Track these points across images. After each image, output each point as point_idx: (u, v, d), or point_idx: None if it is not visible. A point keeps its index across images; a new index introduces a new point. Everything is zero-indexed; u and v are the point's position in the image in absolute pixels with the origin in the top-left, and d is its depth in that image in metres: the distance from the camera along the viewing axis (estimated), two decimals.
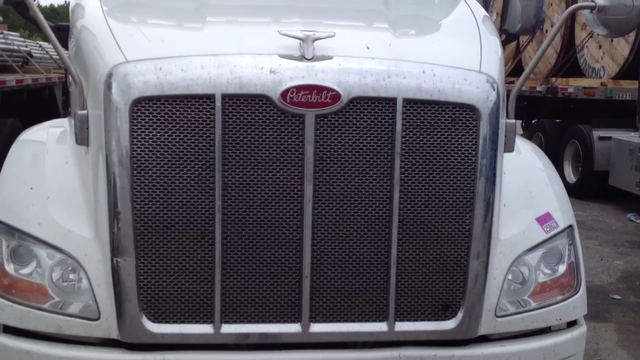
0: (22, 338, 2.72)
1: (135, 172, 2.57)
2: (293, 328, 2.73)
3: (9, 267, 2.75)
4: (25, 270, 2.75)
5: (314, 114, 2.59)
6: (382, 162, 2.67)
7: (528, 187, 3.16)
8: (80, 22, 3.18)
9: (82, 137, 2.82)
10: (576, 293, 3.05)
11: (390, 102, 2.64)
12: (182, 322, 2.69)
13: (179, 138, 2.56)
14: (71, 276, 2.72)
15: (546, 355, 2.93)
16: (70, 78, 3.36)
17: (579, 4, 3.28)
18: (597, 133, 10.78)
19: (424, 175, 2.71)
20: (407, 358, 2.78)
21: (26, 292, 2.73)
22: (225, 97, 2.55)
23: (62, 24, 3.89)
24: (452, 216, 2.75)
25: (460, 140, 2.71)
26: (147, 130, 2.56)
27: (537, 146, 3.80)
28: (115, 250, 2.62)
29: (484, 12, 3.42)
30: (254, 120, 2.59)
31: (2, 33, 11.65)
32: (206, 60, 2.59)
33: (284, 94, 2.55)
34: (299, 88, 2.56)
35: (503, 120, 2.88)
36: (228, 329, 2.70)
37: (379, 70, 2.64)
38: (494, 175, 2.77)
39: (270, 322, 2.72)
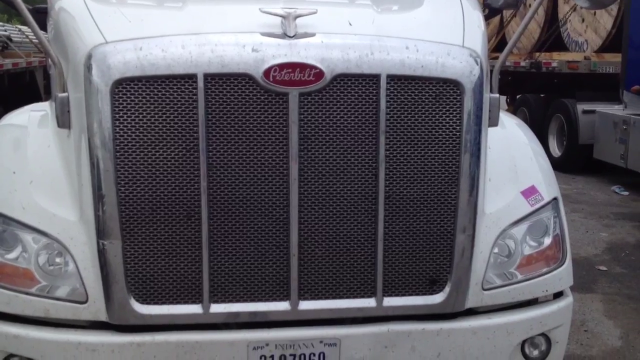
0: (10, 323, 2.71)
1: (118, 154, 2.55)
2: (282, 306, 2.74)
3: None
4: (11, 255, 2.73)
5: (298, 92, 2.58)
6: (367, 139, 2.67)
7: (513, 161, 3.18)
8: (58, 3, 3.13)
9: (63, 120, 2.80)
10: (562, 265, 3.08)
11: (374, 78, 2.63)
12: (171, 303, 2.69)
13: (161, 119, 2.55)
14: (57, 260, 2.71)
15: (533, 326, 2.97)
16: (50, 61, 3.31)
17: None
18: (581, 107, 10.83)
19: (409, 152, 2.71)
20: (395, 333, 2.81)
21: (13, 277, 2.71)
22: (207, 76, 2.53)
23: (40, 7, 3.84)
24: (437, 191, 2.76)
25: (444, 115, 2.71)
26: (129, 112, 2.53)
27: (521, 120, 3.81)
28: (101, 233, 2.61)
29: None
30: (237, 99, 2.57)
31: None
32: (187, 39, 2.57)
33: (267, 72, 2.54)
34: (282, 66, 2.54)
35: (487, 95, 2.88)
36: (217, 308, 2.71)
37: (362, 46, 2.63)
38: (479, 149, 2.78)
39: (259, 300, 2.73)
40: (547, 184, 3.16)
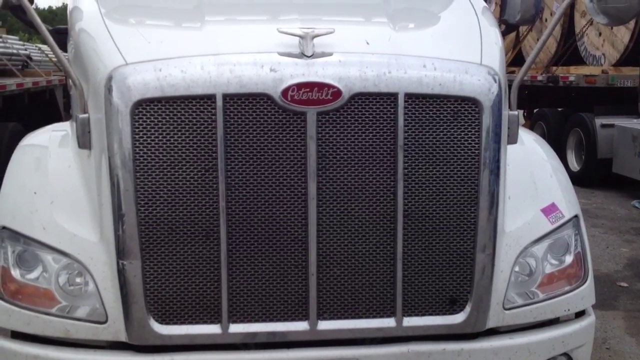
0: (30, 343, 2.72)
1: (138, 174, 2.56)
2: (301, 326, 2.73)
3: (15, 273, 2.75)
4: (32, 275, 2.75)
5: (316, 112, 2.58)
6: (385, 158, 2.66)
7: (532, 178, 3.15)
8: (78, 24, 3.17)
9: (84, 140, 2.82)
10: (584, 283, 3.04)
11: (392, 97, 2.62)
12: (190, 323, 2.69)
13: (181, 139, 2.56)
14: (77, 280, 2.72)
15: (555, 346, 2.93)
16: (70, 82, 3.35)
17: None
18: (599, 121, 10.76)
19: (427, 170, 2.70)
20: (415, 353, 2.78)
21: (33, 297, 2.73)
22: (226, 96, 2.55)
23: (60, 27, 3.89)
24: (457, 210, 2.74)
25: (463, 133, 2.70)
26: (149, 132, 2.55)
27: (539, 136, 3.79)
28: (121, 253, 2.62)
29: (483, 3, 3.40)
30: (256, 119, 2.58)
31: (1, 37, 11.63)
32: (206, 60, 2.59)
33: (285, 92, 2.55)
34: (300, 86, 2.55)
35: (505, 112, 2.87)
36: (236, 328, 2.70)
37: (380, 65, 2.63)
38: (498, 167, 2.76)
39: (278, 320, 2.72)
40: (568, 201, 3.13)
